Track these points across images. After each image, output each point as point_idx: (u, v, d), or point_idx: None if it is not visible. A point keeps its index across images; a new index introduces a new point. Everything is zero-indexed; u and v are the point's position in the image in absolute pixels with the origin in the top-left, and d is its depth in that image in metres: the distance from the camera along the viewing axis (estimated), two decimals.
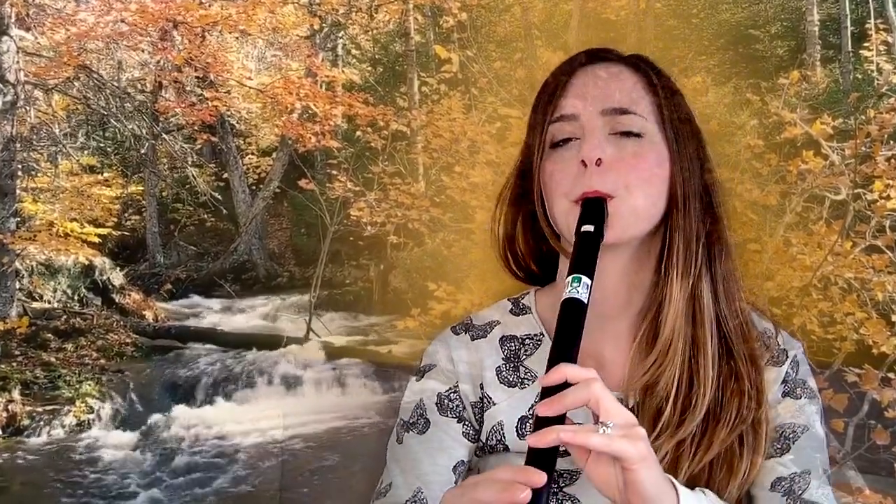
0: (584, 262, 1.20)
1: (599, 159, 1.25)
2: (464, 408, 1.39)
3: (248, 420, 10.36)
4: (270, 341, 12.84)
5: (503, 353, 1.42)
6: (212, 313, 16.05)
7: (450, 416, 1.39)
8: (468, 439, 1.38)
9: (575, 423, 1.07)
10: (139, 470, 9.11)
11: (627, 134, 1.28)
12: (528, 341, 1.40)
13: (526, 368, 1.39)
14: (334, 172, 13.17)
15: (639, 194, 1.26)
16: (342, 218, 12.61)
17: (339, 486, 8.38)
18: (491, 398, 1.36)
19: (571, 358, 1.10)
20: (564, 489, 1.31)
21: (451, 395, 1.40)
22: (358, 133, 12.97)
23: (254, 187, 20.09)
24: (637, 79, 1.32)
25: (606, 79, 1.32)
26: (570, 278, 1.18)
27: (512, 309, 1.49)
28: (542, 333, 1.42)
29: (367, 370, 11.59)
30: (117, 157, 20.83)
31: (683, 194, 1.29)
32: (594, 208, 1.24)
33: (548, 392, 1.07)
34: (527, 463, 1.03)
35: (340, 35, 20.85)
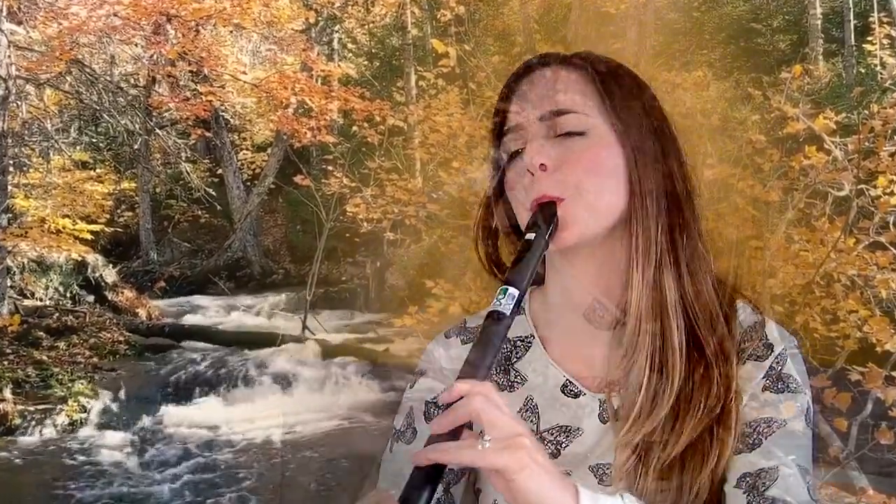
0: (517, 272, 1.20)
1: (543, 164, 1.27)
2: None
3: (243, 419, 10.35)
4: (265, 339, 12.85)
5: None
6: (206, 311, 16.07)
7: None
8: None
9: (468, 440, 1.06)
10: (132, 470, 9.11)
11: (570, 134, 1.29)
12: (519, 343, 1.42)
13: (516, 371, 1.40)
14: (330, 168, 13.14)
15: (591, 191, 1.26)
16: (338, 214, 12.59)
17: (335, 486, 8.39)
18: None
19: (479, 371, 1.10)
20: None
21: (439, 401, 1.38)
22: (354, 128, 12.93)
23: (248, 183, 20.13)
24: (577, 76, 1.32)
25: (544, 83, 1.33)
26: (500, 289, 1.18)
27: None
28: (533, 335, 1.42)
29: (363, 369, 11.58)
30: (110, 153, 20.84)
31: (640, 186, 1.28)
32: (543, 212, 1.25)
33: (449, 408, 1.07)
34: (407, 483, 1.04)
35: (336, 29, 20.87)
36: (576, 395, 1.35)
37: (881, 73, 12.74)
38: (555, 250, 1.29)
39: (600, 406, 1.33)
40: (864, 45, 13.48)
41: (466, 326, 1.51)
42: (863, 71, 15.64)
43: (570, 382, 1.36)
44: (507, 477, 1.02)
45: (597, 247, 1.31)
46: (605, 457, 1.29)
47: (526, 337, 1.42)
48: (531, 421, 1.37)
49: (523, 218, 1.30)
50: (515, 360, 1.41)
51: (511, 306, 1.15)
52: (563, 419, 1.35)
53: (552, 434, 1.35)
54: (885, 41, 12.30)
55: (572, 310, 1.38)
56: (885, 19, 14.30)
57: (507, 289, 1.17)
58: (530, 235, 1.24)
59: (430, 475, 1.04)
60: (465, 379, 1.09)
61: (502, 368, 1.40)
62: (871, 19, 14.21)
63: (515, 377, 1.40)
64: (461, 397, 1.06)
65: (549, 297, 1.45)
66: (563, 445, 1.34)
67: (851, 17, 17.03)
